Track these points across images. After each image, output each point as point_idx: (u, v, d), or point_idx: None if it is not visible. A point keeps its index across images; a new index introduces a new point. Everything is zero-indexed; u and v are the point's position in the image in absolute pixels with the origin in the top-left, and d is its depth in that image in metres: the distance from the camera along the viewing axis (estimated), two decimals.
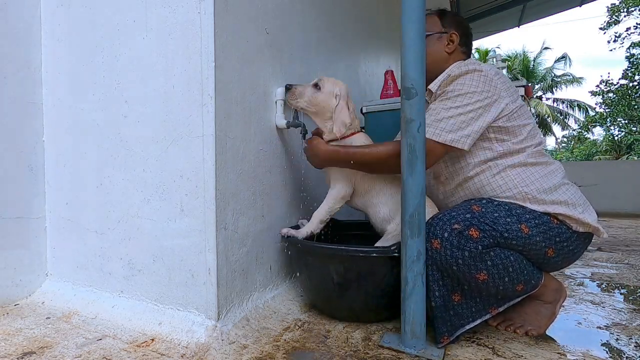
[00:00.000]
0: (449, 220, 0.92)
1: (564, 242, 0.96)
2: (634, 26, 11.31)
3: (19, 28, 1.25)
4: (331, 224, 1.33)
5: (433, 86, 1.10)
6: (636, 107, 11.74)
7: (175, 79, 1.02)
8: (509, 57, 18.36)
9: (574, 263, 1.93)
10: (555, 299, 1.02)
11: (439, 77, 1.11)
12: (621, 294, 1.42)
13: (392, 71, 1.93)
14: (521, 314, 1.04)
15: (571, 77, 18.04)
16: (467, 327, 0.95)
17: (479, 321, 0.96)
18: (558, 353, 0.92)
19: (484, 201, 1.00)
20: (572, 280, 1.61)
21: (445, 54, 1.14)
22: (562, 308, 1.08)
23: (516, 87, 1.45)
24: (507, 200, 1.00)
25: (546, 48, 18.37)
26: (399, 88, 1.01)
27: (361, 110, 1.89)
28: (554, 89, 18.42)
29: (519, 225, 0.93)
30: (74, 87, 1.24)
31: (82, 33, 1.21)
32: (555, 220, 0.97)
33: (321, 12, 1.65)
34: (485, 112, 0.97)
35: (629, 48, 11.40)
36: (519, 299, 0.99)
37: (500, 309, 0.98)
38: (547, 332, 1.03)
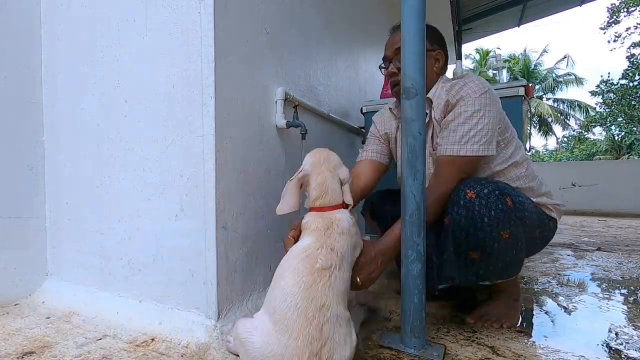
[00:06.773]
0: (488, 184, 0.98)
1: (545, 229, 1.12)
2: (634, 26, 11.33)
3: (19, 28, 1.25)
4: None
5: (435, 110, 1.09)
6: (636, 107, 11.75)
7: (175, 78, 1.02)
8: (510, 57, 18.37)
9: (574, 263, 1.94)
10: (518, 296, 1.17)
11: (436, 94, 1.09)
12: (621, 294, 1.42)
13: None
14: (496, 309, 1.13)
15: (573, 76, 18.03)
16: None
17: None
18: (557, 352, 0.92)
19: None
20: (571, 280, 1.61)
21: (433, 75, 1.12)
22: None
23: (516, 86, 1.48)
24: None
25: (546, 51, 18.40)
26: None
27: (361, 110, 1.89)
28: (555, 90, 18.42)
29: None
30: (74, 87, 1.24)
31: (82, 32, 1.21)
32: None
33: (321, 11, 1.65)
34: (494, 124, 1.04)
35: (629, 48, 11.43)
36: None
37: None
38: (550, 331, 1.05)
